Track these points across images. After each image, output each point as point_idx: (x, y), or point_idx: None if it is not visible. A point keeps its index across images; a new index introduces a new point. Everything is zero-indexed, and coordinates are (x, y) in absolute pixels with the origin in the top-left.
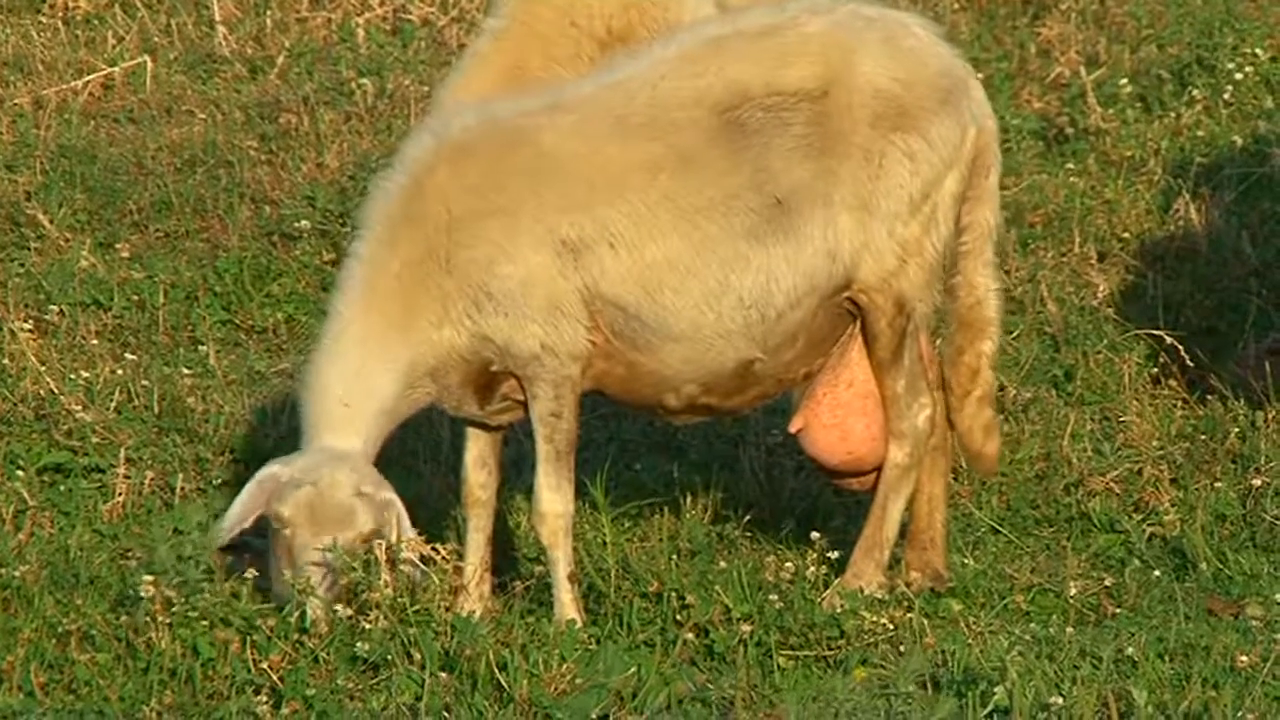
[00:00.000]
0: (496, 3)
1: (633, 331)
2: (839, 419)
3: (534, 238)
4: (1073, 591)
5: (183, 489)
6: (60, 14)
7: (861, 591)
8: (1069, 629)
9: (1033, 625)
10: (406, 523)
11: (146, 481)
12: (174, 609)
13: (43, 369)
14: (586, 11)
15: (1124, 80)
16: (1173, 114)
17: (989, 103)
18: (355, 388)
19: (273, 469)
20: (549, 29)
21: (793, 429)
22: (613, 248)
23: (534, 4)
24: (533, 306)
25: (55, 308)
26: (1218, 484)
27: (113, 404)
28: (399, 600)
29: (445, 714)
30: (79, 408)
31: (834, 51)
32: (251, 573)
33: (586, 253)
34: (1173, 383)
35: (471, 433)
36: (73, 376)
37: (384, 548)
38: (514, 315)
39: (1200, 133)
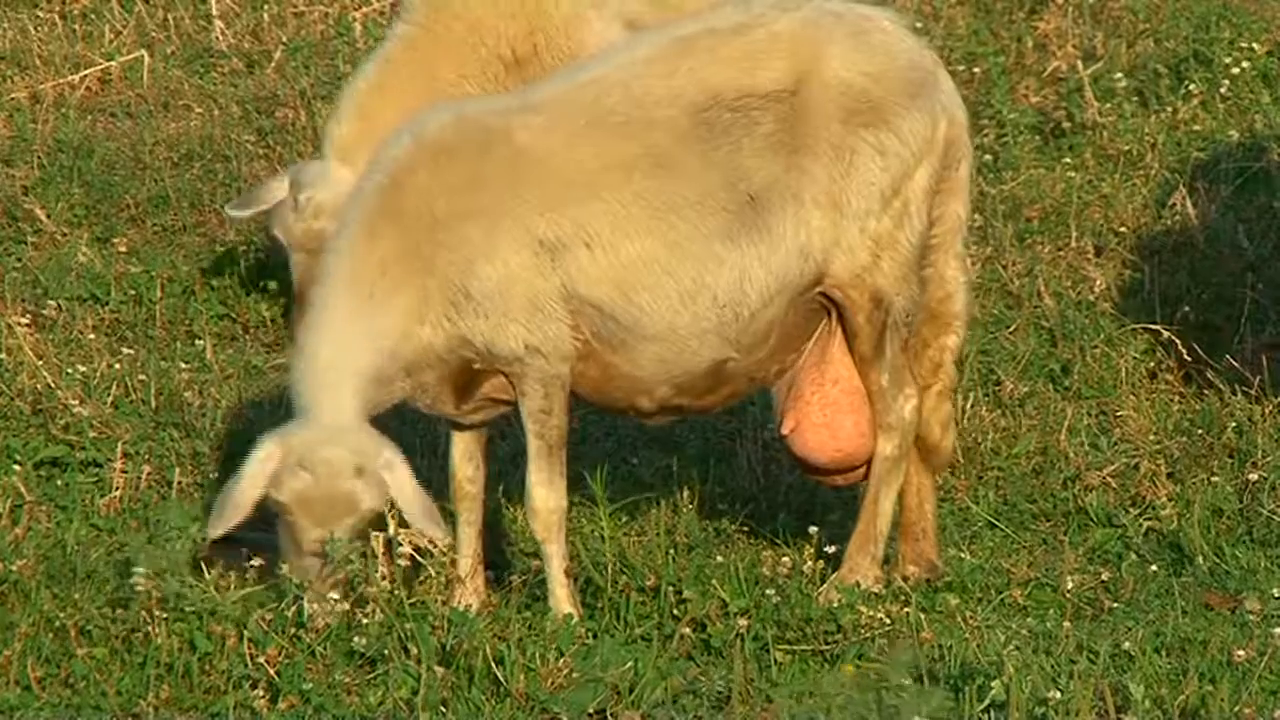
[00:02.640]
0: (406, 6)
1: (609, 332)
2: (828, 417)
3: (513, 238)
4: (1069, 586)
5: (180, 483)
6: (58, 8)
7: (858, 586)
8: (1066, 623)
9: (1030, 620)
10: (410, 481)
11: (144, 476)
12: (169, 605)
13: (40, 363)
14: (494, 33)
15: (1121, 75)
16: (1169, 109)
17: (978, 98)
18: (345, 359)
19: (269, 449)
20: (459, 44)
21: (784, 431)
22: (589, 248)
23: (446, 16)
24: (513, 307)
25: (52, 302)
26: (1215, 478)
27: (110, 398)
28: (396, 593)
29: (442, 709)
30: (76, 402)
31: (803, 48)
32: (255, 563)
33: (564, 253)
34: (1169, 377)
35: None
36: (70, 371)
37: (381, 540)
38: (494, 317)
39: (1197, 127)
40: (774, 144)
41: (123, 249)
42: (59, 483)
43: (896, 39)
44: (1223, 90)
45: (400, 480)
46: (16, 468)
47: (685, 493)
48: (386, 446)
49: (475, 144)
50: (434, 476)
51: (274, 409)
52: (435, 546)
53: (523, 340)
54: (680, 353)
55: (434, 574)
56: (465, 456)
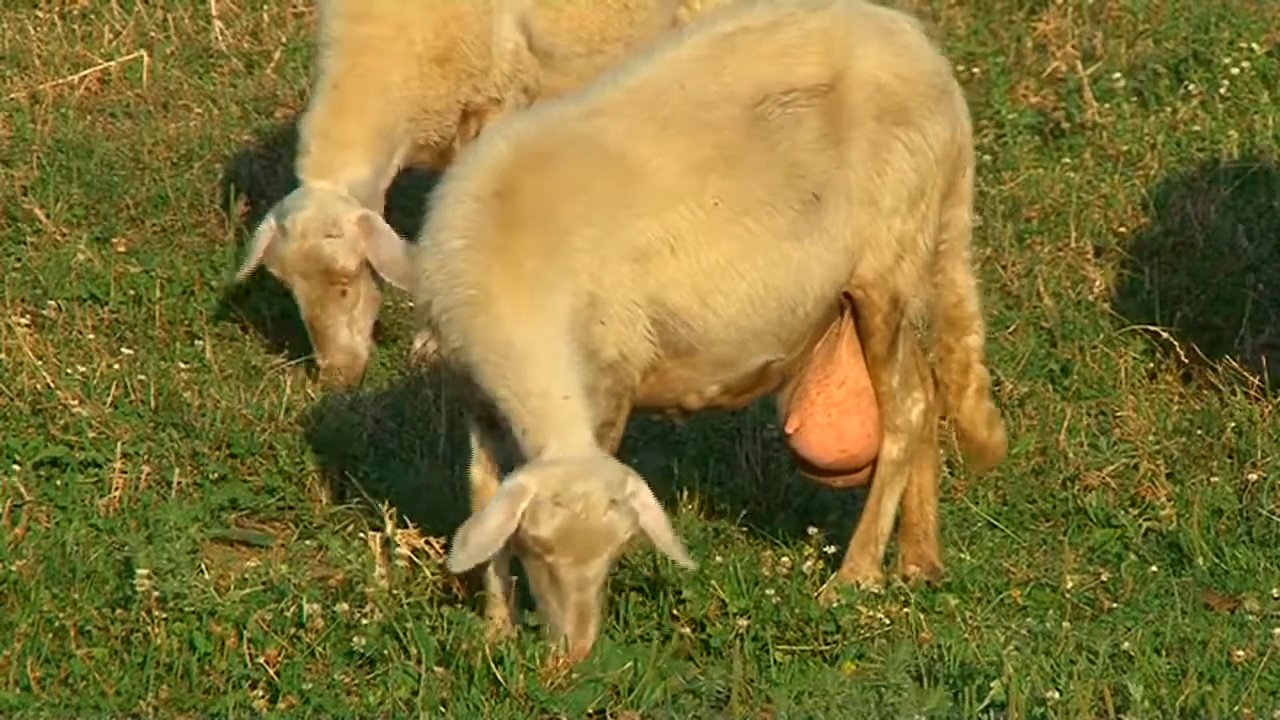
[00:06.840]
0: (327, 29)
1: (678, 339)
2: (833, 418)
3: (617, 243)
4: (1069, 586)
5: (179, 483)
6: (57, 8)
7: (857, 586)
8: (1065, 624)
9: (1029, 620)
10: (657, 508)
11: (143, 476)
12: (168, 605)
13: (39, 364)
14: (419, 28)
15: (1120, 75)
16: (1169, 109)
17: (977, 99)
18: (569, 379)
19: (521, 484)
20: (394, 48)
21: (789, 429)
22: (674, 253)
23: (370, 25)
24: (614, 314)
25: (52, 302)
26: (1214, 479)
27: (109, 399)
28: (395, 593)
29: (442, 709)
30: (75, 402)
31: (836, 45)
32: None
33: (655, 258)
34: (1169, 377)
35: (478, 434)
36: (69, 371)
37: (379, 541)
38: (608, 323)
39: (1196, 128)
40: (823, 139)
41: (122, 249)
42: (58, 483)
43: (921, 42)
44: (1222, 90)
45: (648, 507)
46: (16, 468)
47: (685, 493)
48: (630, 474)
49: (574, 149)
50: (434, 477)
51: (274, 409)
52: (433, 547)
53: (618, 349)
54: (739, 355)
55: (429, 574)
56: (482, 461)
